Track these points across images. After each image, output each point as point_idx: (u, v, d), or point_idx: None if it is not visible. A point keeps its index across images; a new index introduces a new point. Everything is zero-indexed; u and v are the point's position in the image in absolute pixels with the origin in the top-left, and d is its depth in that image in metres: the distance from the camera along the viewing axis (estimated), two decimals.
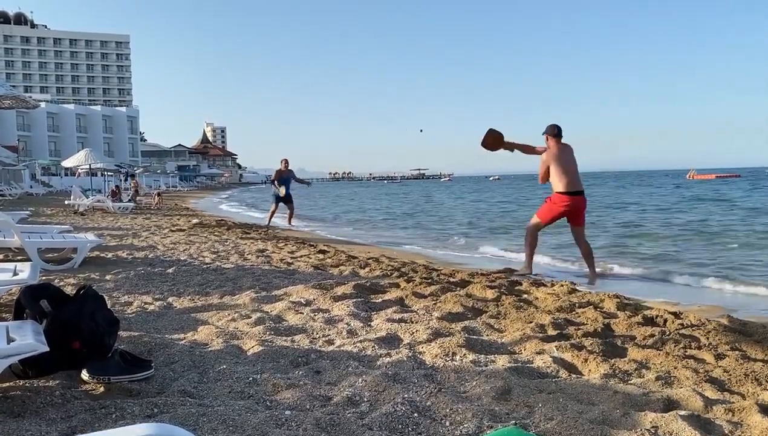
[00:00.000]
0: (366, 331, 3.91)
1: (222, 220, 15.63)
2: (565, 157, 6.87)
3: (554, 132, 6.97)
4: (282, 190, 13.72)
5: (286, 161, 13.91)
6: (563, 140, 6.99)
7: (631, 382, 2.93)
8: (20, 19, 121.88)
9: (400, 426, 2.34)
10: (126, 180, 29.52)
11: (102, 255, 8.01)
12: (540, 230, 7.12)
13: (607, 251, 10.32)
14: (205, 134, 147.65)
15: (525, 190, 51.26)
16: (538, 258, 9.10)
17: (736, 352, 3.46)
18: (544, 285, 5.82)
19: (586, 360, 3.22)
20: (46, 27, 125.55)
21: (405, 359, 3.21)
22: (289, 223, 14.67)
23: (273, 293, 5.20)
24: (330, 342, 3.65)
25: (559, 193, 6.79)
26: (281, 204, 14.14)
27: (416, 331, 3.85)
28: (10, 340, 2.54)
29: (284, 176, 13.85)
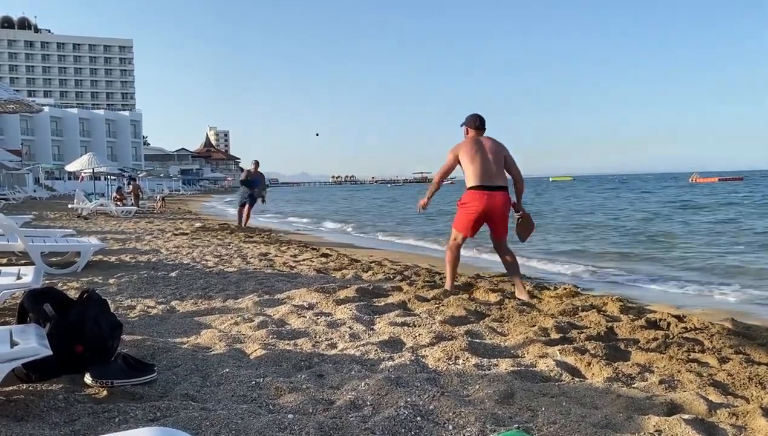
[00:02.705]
0: (369, 335, 3.91)
1: (225, 223, 15.63)
2: (480, 146, 5.41)
3: (475, 123, 5.58)
4: (244, 190, 14.10)
5: (257, 163, 14.19)
6: (488, 135, 5.64)
7: (635, 385, 2.92)
8: (24, 24, 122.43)
9: (402, 430, 2.33)
10: (129, 184, 29.52)
11: (105, 259, 8.03)
12: (462, 244, 5.63)
13: (607, 252, 10.31)
14: (208, 138, 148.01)
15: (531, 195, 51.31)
16: (537, 263, 9.11)
17: (740, 355, 3.45)
18: (547, 289, 5.81)
19: (589, 364, 3.22)
20: (49, 31, 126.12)
21: (408, 362, 3.20)
22: (246, 221, 14.54)
23: (276, 297, 5.20)
24: (333, 346, 3.65)
25: (471, 188, 5.34)
26: (247, 203, 14.27)
27: (419, 334, 3.84)
28: (13, 344, 2.55)
29: (254, 178, 14.10)
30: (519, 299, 5.12)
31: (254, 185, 14.09)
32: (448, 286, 5.55)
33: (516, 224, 5.73)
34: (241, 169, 14.33)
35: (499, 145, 5.49)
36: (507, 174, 5.49)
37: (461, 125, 5.71)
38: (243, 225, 14.23)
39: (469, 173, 5.35)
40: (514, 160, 5.51)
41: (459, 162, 5.48)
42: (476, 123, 5.59)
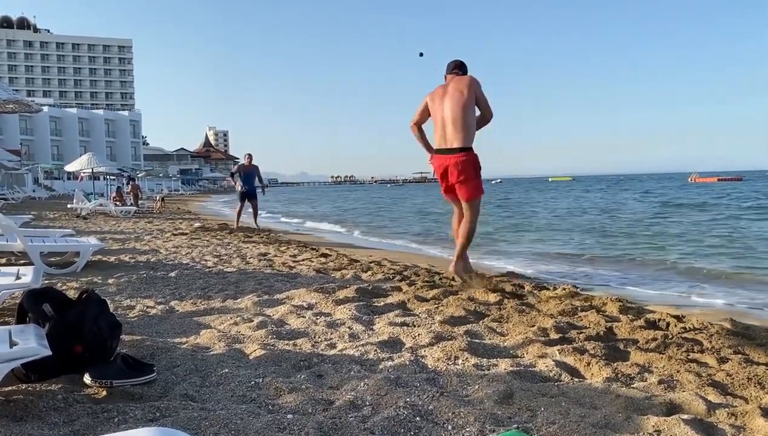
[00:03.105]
0: (368, 335, 3.91)
1: (224, 223, 15.63)
2: (442, 98, 5.25)
3: (448, 68, 5.40)
4: (238, 186, 13.63)
5: (250, 156, 13.72)
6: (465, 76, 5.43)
7: (634, 386, 2.92)
8: (23, 24, 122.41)
9: (402, 430, 2.34)
10: (128, 184, 29.49)
11: (104, 259, 8.02)
12: (456, 211, 5.65)
13: (607, 252, 10.31)
14: (207, 138, 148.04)
15: (522, 194, 51.30)
16: (536, 263, 9.11)
17: (739, 355, 3.45)
18: (547, 288, 5.81)
19: (588, 364, 3.22)
20: (49, 31, 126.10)
21: (407, 362, 3.21)
22: (255, 223, 14.13)
23: (275, 297, 5.20)
24: (332, 346, 3.65)
25: (433, 151, 5.40)
26: (246, 202, 13.81)
27: (418, 335, 3.84)
28: (12, 344, 2.55)
29: (248, 172, 13.61)
30: (448, 271, 5.11)
31: (249, 179, 13.59)
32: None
33: None
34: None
35: (462, 88, 5.22)
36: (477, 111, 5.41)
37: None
38: (256, 223, 13.90)
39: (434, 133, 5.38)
40: (484, 95, 5.35)
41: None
42: (448, 68, 5.41)
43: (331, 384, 2.90)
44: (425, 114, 5.47)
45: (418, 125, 5.59)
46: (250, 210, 14.12)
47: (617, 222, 17.77)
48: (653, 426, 2.34)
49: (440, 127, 5.28)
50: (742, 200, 29.55)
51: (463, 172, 5.28)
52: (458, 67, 5.41)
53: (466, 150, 5.26)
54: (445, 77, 5.48)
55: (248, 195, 13.75)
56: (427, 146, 5.62)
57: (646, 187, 58.14)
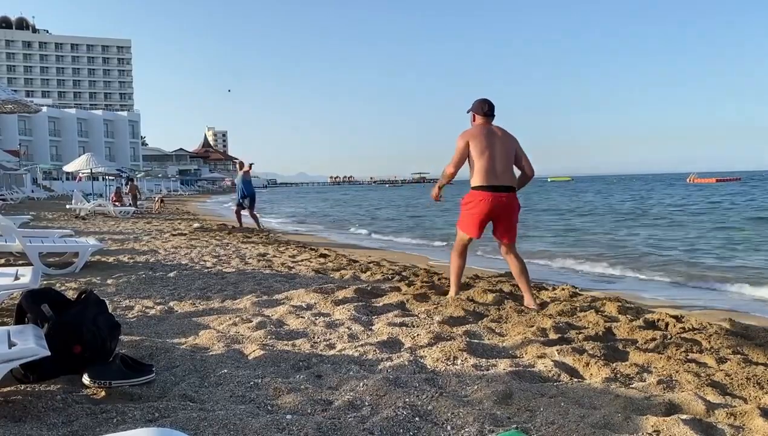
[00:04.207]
0: (367, 335, 3.91)
1: (223, 224, 15.63)
2: (491, 137, 4.90)
3: (483, 109, 5.02)
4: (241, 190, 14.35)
5: (249, 165, 14.75)
6: (497, 124, 5.08)
7: (633, 386, 2.92)
8: (22, 24, 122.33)
9: (401, 430, 2.34)
10: (127, 184, 29.45)
11: (103, 259, 8.02)
12: (468, 245, 5.20)
13: (606, 252, 10.32)
14: (206, 138, 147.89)
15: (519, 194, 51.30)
16: (535, 263, 9.12)
17: (738, 356, 3.45)
18: (546, 289, 5.81)
19: (587, 364, 3.22)
20: (47, 32, 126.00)
21: (406, 363, 3.21)
22: (252, 216, 14.75)
23: (274, 297, 5.20)
24: (331, 346, 3.65)
25: (476, 188, 4.90)
26: (246, 202, 14.44)
27: (417, 335, 3.84)
28: (11, 344, 2.54)
29: (246, 179, 14.55)
30: (527, 308, 4.79)
31: (248, 185, 14.38)
32: (453, 293, 5.15)
33: None
34: (241, 165, 14.66)
35: (510, 138, 5.01)
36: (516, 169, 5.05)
37: (468, 111, 5.15)
38: (259, 226, 14.42)
39: (476, 168, 4.85)
40: (524, 153, 5.08)
41: (469, 152, 4.92)
42: (484, 109, 5.01)
43: (330, 384, 2.90)
44: (466, 155, 4.98)
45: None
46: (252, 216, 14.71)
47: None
48: (652, 426, 2.34)
49: (490, 159, 4.84)
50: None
51: (514, 213, 5.00)
52: (492, 111, 5.06)
53: (514, 190, 4.98)
54: (474, 116, 5.08)
55: (250, 197, 14.40)
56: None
57: (650, 188, 58.26)
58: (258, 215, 15.04)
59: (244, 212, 14.54)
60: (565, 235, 14.84)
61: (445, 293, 5.29)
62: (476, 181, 4.89)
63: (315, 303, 4.91)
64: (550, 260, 9.59)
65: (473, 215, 4.95)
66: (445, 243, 12.17)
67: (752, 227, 15.61)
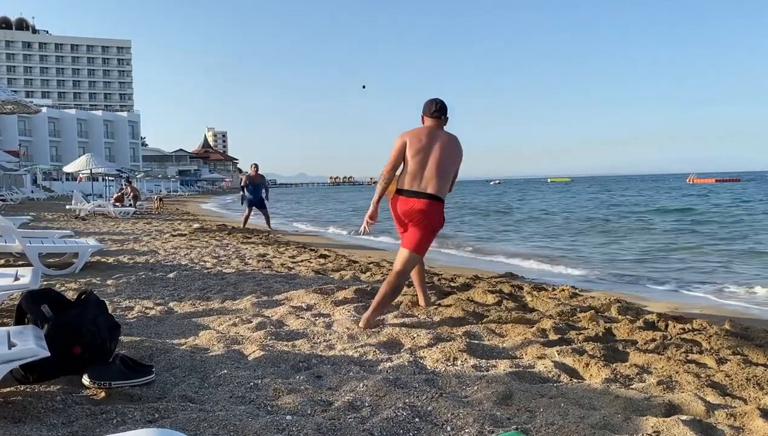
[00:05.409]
0: (367, 335, 3.91)
1: (223, 224, 15.62)
2: (431, 144, 4.24)
3: (430, 110, 4.41)
4: (245, 195, 14.22)
5: (257, 166, 14.26)
6: (447, 129, 4.44)
7: (633, 387, 2.92)
8: (22, 25, 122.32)
9: (401, 431, 2.33)
10: (126, 185, 29.45)
11: (103, 260, 8.01)
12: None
13: (605, 252, 10.32)
14: (206, 139, 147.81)
15: (515, 194, 51.36)
16: (535, 263, 9.12)
17: (738, 356, 3.45)
18: (545, 290, 5.81)
19: (587, 365, 3.22)
20: (47, 32, 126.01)
21: (406, 363, 3.21)
22: (269, 226, 14.70)
23: (274, 298, 5.20)
24: (331, 347, 3.65)
25: (397, 190, 4.34)
26: (254, 208, 14.33)
27: (417, 336, 3.84)
28: (11, 345, 2.54)
29: (255, 182, 14.20)
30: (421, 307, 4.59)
31: (256, 189, 14.17)
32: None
33: None
34: (240, 171, 14.48)
35: (456, 149, 4.38)
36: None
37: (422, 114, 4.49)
38: (269, 227, 14.46)
39: (406, 170, 4.27)
40: (457, 174, 4.51)
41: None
42: (431, 109, 4.40)
43: (330, 385, 2.90)
44: (402, 156, 4.36)
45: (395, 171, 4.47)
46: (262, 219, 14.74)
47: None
48: (652, 427, 2.34)
49: (418, 167, 4.24)
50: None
51: (425, 220, 4.29)
52: (444, 112, 4.45)
53: (436, 200, 4.28)
54: (422, 118, 4.46)
55: (256, 204, 14.26)
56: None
57: (649, 188, 58.25)
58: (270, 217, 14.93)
59: (256, 214, 14.37)
60: (561, 235, 14.85)
61: (446, 293, 5.29)
62: (399, 183, 4.34)
63: (315, 304, 4.91)
64: (550, 262, 9.59)
65: (394, 218, 4.45)
66: (444, 244, 12.16)
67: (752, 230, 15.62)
